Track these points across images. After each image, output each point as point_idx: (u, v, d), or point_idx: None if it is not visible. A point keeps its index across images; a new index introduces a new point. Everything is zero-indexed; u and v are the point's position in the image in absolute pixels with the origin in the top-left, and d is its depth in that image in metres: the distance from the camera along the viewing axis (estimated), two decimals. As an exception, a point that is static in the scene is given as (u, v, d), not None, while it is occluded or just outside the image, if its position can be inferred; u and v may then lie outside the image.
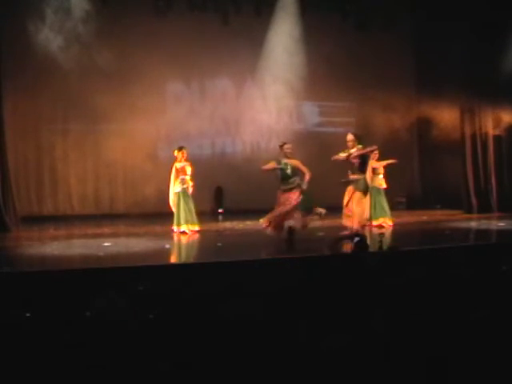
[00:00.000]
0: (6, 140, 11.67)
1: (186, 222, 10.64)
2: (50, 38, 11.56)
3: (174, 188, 10.75)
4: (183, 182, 10.69)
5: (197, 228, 10.81)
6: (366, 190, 9.90)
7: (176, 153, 10.79)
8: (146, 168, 13.99)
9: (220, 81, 15.16)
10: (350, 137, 10.21)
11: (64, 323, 4.05)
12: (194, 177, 10.88)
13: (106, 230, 11.49)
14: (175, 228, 10.68)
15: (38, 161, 13.69)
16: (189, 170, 10.73)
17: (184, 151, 10.79)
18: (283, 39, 14.50)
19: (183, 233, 10.58)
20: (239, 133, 15.27)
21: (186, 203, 10.66)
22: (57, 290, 5.94)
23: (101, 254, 8.44)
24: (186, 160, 10.80)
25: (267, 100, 15.20)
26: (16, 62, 12.25)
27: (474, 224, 12.29)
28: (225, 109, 15.13)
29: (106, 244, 9.32)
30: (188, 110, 14.61)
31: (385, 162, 11.56)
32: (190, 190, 10.76)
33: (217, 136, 15.15)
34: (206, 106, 14.96)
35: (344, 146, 10.68)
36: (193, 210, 10.75)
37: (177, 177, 10.71)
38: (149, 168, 14.00)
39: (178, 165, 10.74)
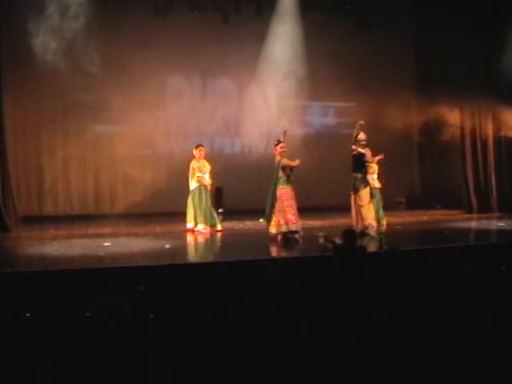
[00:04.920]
0: (6, 140, 11.67)
1: (199, 221, 10.65)
2: (49, 38, 11.53)
3: (191, 185, 10.76)
4: (200, 180, 10.71)
5: (218, 227, 10.82)
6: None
7: (194, 151, 10.82)
8: (147, 167, 14.00)
9: (221, 80, 15.16)
10: (364, 136, 10.34)
11: (64, 323, 4.05)
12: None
13: (106, 230, 11.48)
14: (188, 225, 10.71)
15: (38, 160, 13.67)
16: (207, 168, 10.77)
17: (202, 149, 10.83)
18: (283, 39, 14.50)
19: (197, 231, 10.60)
20: (239, 132, 15.27)
21: (200, 202, 10.65)
22: (57, 289, 5.94)
23: (101, 253, 8.44)
24: (204, 158, 10.83)
25: (267, 100, 15.21)
26: (16, 62, 12.23)
27: (473, 224, 12.29)
28: (225, 108, 15.13)
29: (105, 244, 9.31)
30: (188, 110, 14.60)
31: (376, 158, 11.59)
32: (208, 187, 10.79)
33: (217, 135, 15.14)
34: (206, 105, 14.96)
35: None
36: (209, 209, 10.74)
37: (194, 175, 10.72)
38: (149, 167, 14.02)
39: (195, 163, 10.76)
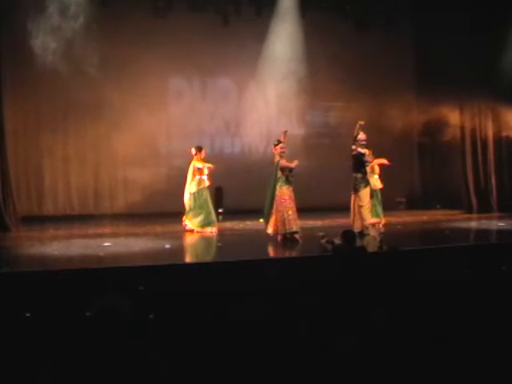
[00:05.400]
0: (6, 140, 11.67)
1: (200, 222, 10.64)
2: (49, 38, 11.54)
3: (190, 188, 10.70)
4: (200, 182, 10.67)
5: (214, 229, 10.79)
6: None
7: (196, 152, 10.77)
8: (147, 167, 14.00)
9: (221, 81, 15.15)
10: (364, 136, 10.39)
11: (64, 323, 4.05)
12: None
13: (106, 230, 11.48)
14: (186, 222, 10.67)
15: (38, 161, 13.66)
16: (206, 170, 10.74)
17: (203, 151, 10.79)
18: (283, 39, 14.49)
19: (196, 232, 10.60)
20: (239, 132, 15.27)
21: (201, 203, 10.63)
22: (57, 289, 5.95)
23: (101, 254, 8.45)
24: (203, 160, 10.79)
25: (267, 100, 15.20)
26: (16, 62, 12.24)
27: (473, 224, 12.30)
28: (225, 108, 15.13)
29: (105, 244, 9.32)
30: (188, 110, 14.60)
31: (378, 161, 11.61)
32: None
33: (217, 135, 15.13)
34: (206, 105, 14.95)
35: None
36: (210, 211, 10.74)
37: (194, 176, 10.68)
38: (149, 168, 14.01)
39: (196, 164, 10.71)
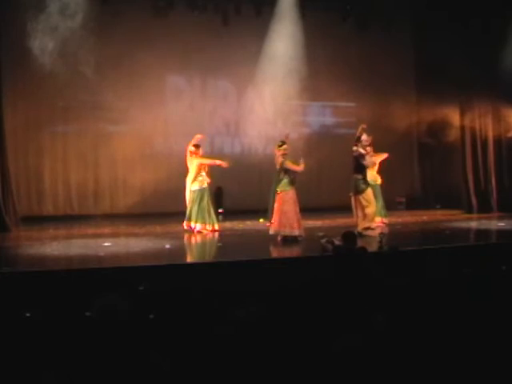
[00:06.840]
0: (6, 140, 11.67)
1: (202, 221, 10.62)
2: (49, 38, 11.52)
3: (192, 186, 10.69)
4: (202, 179, 10.66)
5: (216, 227, 10.78)
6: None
7: (193, 149, 10.77)
8: (147, 167, 13.99)
9: (220, 80, 15.14)
10: (366, 136, 10.43)
11: (64, 323, 4.05)
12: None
13: (106, 230, 11.48)
14: (185, 224, 10.65)
15: (38, 161, 13.65)
16: (206, 168, 10.75)
17: (200, 148, 10.79)
18: (284, 39, 14.46)
19: (198, 231, 10.58)
20: (239, 132, 15.26)
21: (203, 202, 10.62)
22: (57, 289, 5.95)
23: (101, 254, 8.45)
24: (202, 157, 10.80)
25: (267, 100, 15.18)
26: (16, 62, 12.23)
27: (473, 224, 12.29)
28: (225, 108, 15.12)
29: (105, 244, 9.32)
30: (188, 110, 14.60)
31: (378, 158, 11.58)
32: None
33: (217, 135, 15.11)
34: (206, 105, 14.94)
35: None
36: (210, 209, 10.73)
37: (198, 174, 10.66)
38: (149, 167, 14.00)
39: (203, 161, 10.72)
